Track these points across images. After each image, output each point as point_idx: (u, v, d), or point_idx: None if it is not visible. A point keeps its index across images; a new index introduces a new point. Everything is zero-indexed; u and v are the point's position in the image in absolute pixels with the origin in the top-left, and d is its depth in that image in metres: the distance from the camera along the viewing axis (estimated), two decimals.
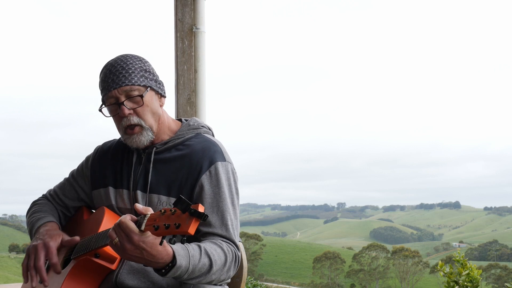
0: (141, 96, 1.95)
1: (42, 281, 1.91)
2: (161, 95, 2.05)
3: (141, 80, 1.96)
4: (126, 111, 1.95)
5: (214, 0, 3.81)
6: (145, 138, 1.99)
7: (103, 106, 2.00)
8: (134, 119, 1.96)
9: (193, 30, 3.46)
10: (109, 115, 2.01)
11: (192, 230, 1.52)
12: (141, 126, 1.98)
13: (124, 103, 1.94)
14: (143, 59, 2.04)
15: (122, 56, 2.01)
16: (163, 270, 1.71)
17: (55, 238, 1.98)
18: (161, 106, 2.05)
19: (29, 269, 1.94)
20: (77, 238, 1.97)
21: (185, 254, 1.75)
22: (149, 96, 1.98)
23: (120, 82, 1.94)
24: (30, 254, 1.96)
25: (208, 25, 3.52)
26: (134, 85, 1.94)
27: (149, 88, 1.98)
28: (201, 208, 1.53)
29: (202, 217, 1.52)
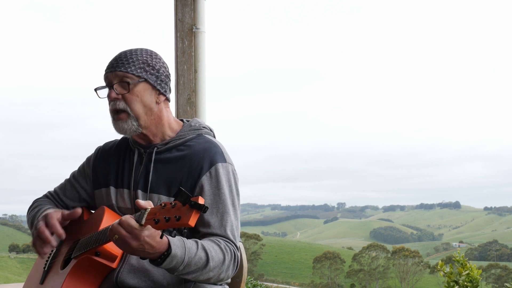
0: (128, 83, 1.99)
1: (47, 241, 1.98)
2: (160, 92, 2.06)
3: (138, 70, 2.01)
4: (113, 95, 2.01)
5: (214, 0, 3.81)
6: (128, 126, 2.02)
7: (98, 88, 2.06)
8: (121, 105, 2.01)
9: (193, 30, 3.46)
10: (102, 96, 2.06)
11: (192, 222, 1.54)
12: (127, 113, 2.01)
13: (114, 86, 2.01)
14: (156, 56, 2.07)
15: (139, 48, 2.08)
16: (159, 260, 1.73)
17: (56, 211, 2.05)
18: (157, 103, 2.06)
19: (36, 244, 2.01)
20: (78, 209, 2.03)
21: (181, 245, 1.77)
22: (141, 88, 2.01)
23: (117, 67, 2.01)
24: (34, 234, 2.03)
25: (208, 25, 3.53)
26: (128, 72, 2.00)
27: (143, 80, 2.01)
28: (201, 200, 1.55)
29: (202, 209, 1.54)
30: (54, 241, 1.98)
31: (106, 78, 2.04)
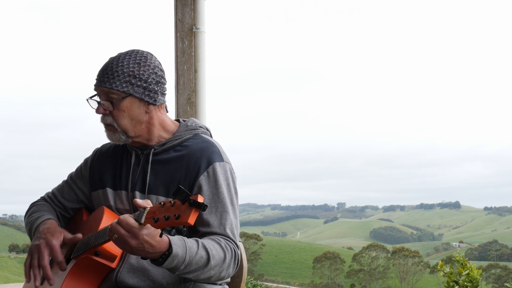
0: (112, 103, 1.98)
1: (47, 279, 1.92)
2: (149, 103, 2.02)
3: (123, 85, 1.97)
4: (101, 110, 2.01)
5: (214, 0, 3.81)
6: (116, 138, 2.04)
7: (90, 98, 2.05)
8: (108, 120, 2.02)
9: (193, 30, 3.46)
10: (94, 107, 2.05)
11: (191, 220, 1.54)
12: (114, 127, 2.02)
13: (101, 102, 2.00)
14: (145, 62, 2.01)
15: (126, 53, 2.03)
16: (160, 259, 1.73)
17: (57, 236, 1.99)
18: (147, 112, 2.03)
19: (32, 268, 1.94)
20: (79, 235, 1.98)
21: (182, 244, 1.76)
22: (127, 103, 1.99)
23: (102, 82, 1.99)
24: (33, 253, 1.96)
25: (208, 25, 3.53)
26: (113, 89, 1.97)
27: (128, 96, 1.98)
28: (200, 199, 1.55)
29: (202, 207, 1.54)
30: (52, 279, 1.93)
31: (96, 90, 2.03)
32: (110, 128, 2.03)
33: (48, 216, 2.13)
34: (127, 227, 1.66)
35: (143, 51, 2.05)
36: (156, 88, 2.03)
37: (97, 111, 2.02)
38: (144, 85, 2.00)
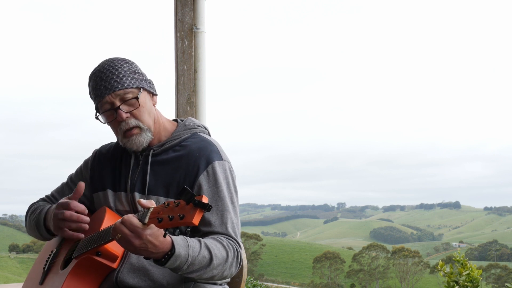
0: (136, 98, 1.97)
1: (85, 222, 1.95)
2: (153, 94, 2.08)
3: (132, 82, 1.98)
4: (124, 115, 1.97)
5: (214, 0, 3.82)
6: (144, 139, 2.01)
7: (98, 113, 2.02)
8: (132, 122, 1.99)
9: (193, 30, 3.47)
10: (105, 121, 2.02)
11: (196, 220, 1.55)
12: (139, 127, 2.00)
13: (120, 107, 1.97)
14: (129, 60, 2.05)
15: (108, 61, 2.02)
16: (163, 259, 1.74)
17: (62, 199, 2.01)
18: (154, 104, 2.08)
19: (68, 229, 1.96)
20: (82, 183, 1.98)
21: (185, 244, 1.77)
22: (143, 97, 2.01)
23: (112, 87, 1.96)
24: (59, 223, 1.97)
25: (208, 25, 3.54)
26: (127, 88, 1.96)
27: (142, 89, 2.00)
28: (205, 199, 1.56)
29: (206, 208, 1.55)
30: (85, 217, 1.96)
31: (106, 101, 1.97)
32: (136, 131, 1.99)
33: (50, 205, 2.14)
34: (131, 227, 1.67)
35: (114, 57, 2.05)
36: (151, 81, 2.08)
37: (120, 117, 1.97)
38: (144, 77, 2.04)
